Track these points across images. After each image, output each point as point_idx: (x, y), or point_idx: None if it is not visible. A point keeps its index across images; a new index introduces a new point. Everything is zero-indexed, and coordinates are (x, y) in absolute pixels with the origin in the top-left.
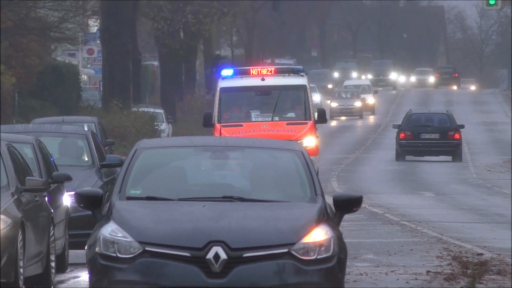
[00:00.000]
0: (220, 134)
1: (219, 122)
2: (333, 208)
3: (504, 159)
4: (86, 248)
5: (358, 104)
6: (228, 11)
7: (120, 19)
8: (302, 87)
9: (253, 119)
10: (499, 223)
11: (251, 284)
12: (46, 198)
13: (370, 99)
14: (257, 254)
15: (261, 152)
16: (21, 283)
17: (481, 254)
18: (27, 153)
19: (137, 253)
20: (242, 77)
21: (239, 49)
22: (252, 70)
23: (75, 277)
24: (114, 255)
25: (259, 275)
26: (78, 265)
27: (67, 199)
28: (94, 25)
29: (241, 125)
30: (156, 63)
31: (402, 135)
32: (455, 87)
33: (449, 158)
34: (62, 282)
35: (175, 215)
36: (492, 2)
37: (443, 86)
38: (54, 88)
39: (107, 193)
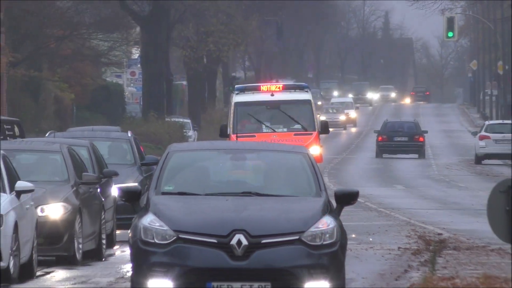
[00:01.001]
0: None
1: (234, 132)
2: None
3: (460, 159)
4: (129, 234)
5: (342, 117)
6: (241, 41)
7: (156, 48)
8: (307, 102)
9: (264, 130)
10: (455, 209)
11: (268, 266)
12: (98, 190)
13: (352, 114)
14: (273, 240)
15: (273, 154)
16: (79, 256)
17: (441, 234)
18: (83, 154)
19: (172, 239)
20: (253, 92)
21: (250, 71)
22: (262, 86)
23: (121, 252)
24: (153, 241)
25: (275, 258)
26: (123, 242)
27: (114, 190)
28: (136, 53)
29: (254, 136)
30: (184, 82)
31: (380, 138)
32: (421, 103)
33: (415, 156)
34: (111, 255)
35: (203, 207)
36: (450, 35)
37: (417, 102)
38: (104, 103)
39: (146, 186)
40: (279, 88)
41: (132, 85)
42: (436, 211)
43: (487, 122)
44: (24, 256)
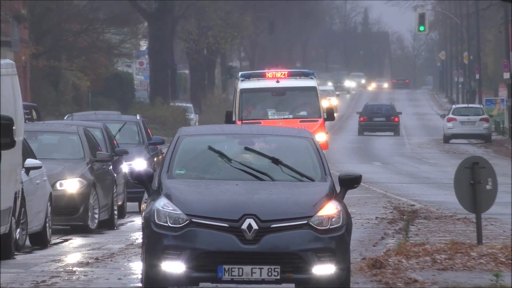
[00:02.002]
0: None
1: (239, 119)
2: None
3: (430, 139)
4: (143, 218)
5: (325, 103)
6: (237, 35)
7: (162, 40)
8: (313, 89)
9: (270, 117)
10: (426, 183)
11: (278, 249)
12: (111, 166)
13: (334, 100)
14: (283, 225)
15: (279, 139)
16: (94, 225)
17: (413, 205)
18: (97, 134)
19: (184, 223)
20: (259, 79)
21: (245, 62)
22: (268, 73)
23: (131, 221)
24: (166, 224)
25: (284, 242)
26: (133, 213)
27: (125, 167)
28: (144, 45)
29: (259, 122)
30: (187, 71)
31: (361, 118)
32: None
33: (391, 133)
34: (122, 225)
35: (214, 192)
36: (422, 29)
37: (398, 89)
38: (116, 89)
39: (153, 164)
40: (284, 74)
41: (140, 73)
42: (409, 185)
43: (454, 106)
44: (36, 226)
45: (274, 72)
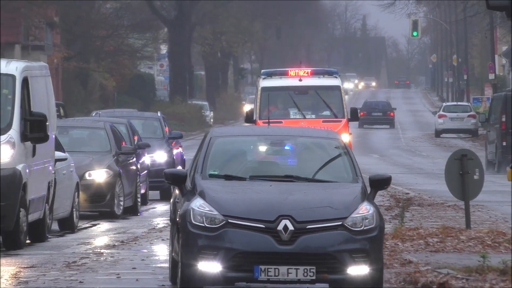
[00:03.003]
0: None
1: (260, 118)
2: None
3: (423, 133)
4: (179, 216)
5: None
6: (248, 40)
7: (180, 45)
8: (337, 88)
9: (292, 117)
10: (419, 173)
11: (314, 250)
12: (134, 158)
13: None
14: (318, 226)
15: (310, 140)
16: (120, 211)
17: (408, 193)
18: (122, 130)
19: (221, 224)
20: (281, 77)
21: (255, 64)
22: (290, 71)
23: (153, 208)
24: (202, 225)
25: (319, 243)
26: (154, 200)
27: (147, 159)
28: (164, 49)
29: (281, 122)
30: (203, 72)
31: (361, 113)
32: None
33: (387, 126)
34: (145, 211)
35: (249, 193)
36: (415, 34)
37: (394, 88)
38: (139, 89)
39: (172, 156)
40: (307, 73)
41: (161, 74)
42: (404, 175)
43: (444, 104)
44: (63, 212)
45: (297, 71)
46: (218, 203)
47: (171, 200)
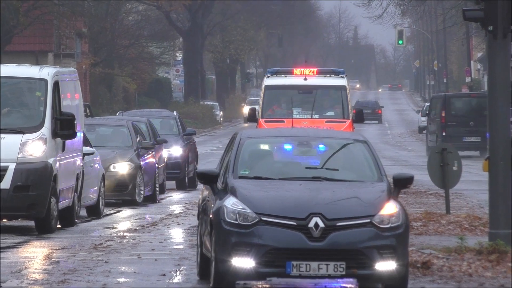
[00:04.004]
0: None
1: (262, 117)
2: None
3: (408, 130)
4: (212, 213)
5: None
6: (253, 47)
7: (194, 52)
8: (342, 88)
9: (295, 116)
10: (405, 165)
11: (344, 246)
12: (153, 152)
13: None
14: (347, 223)
15: (336, 141)
16: (140, 199)
17: None
18: (143, 127)
19: (254, 221)
20: (286, 76)
21: (260, 69)
22: (295, 70)
23: (169, 196)
24: (236, 222)
25: (349, 239)
26: (171, 190)
27: (165, 153)
28: (179, 56)
29: (283, 121)
30: (213, 77)
31: (354, 111)
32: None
33: (376, 122)
34: (162, 199)
35: (280, 191)
36: (400, 42)
37: (383, 90)
38: (157, 91)
39: (189, 153)
40: (313, 72)
41: (176, 78)
42: (391, 166)
43: (426, 104)
44: (91, 200)
45: (302, 69)
46: (251, 201)
47: (200, 199)
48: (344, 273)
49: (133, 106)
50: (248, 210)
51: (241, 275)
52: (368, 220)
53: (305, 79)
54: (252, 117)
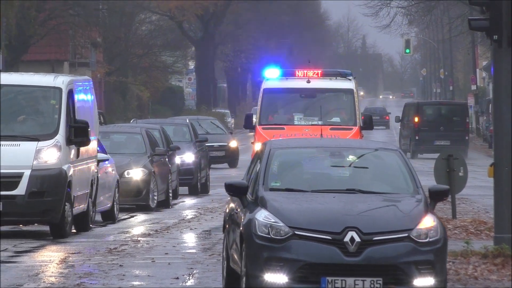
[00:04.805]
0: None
1: (260, 123)
2: None
3: None
4: (243, 226)
5: None
6: (263, 57)
7: (206, 61)
8: (349, 91)
9: (296, 122)
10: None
11: (381, 261)
12: (167, 159)
13: None
14: (384, 237)
15: (368, 152)
16: (154, 204)
17: None
18: (156, 134)
19: (287, 235)
20: (287, 78)
21: None
22: (298, 71)
23: (182, 202)
24: (269, 236)
25: (386, 254)
26: (183, 195)
27: (177, 159)
28: (191, 65)
29: (283, 128)
30: (225, 85)
31: (362, 117)
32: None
33: (384, 127)
34: (175, 204)
35: (313, 204)
36: (407, 51)
37: (389, 98)
38: (170, 99)
39: (200, 159)
40: (317, 74)
41: (189, 87)
42: None
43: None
44: (105, 205)
45: (305, 71)
46: (283, 215)
47: (226, 211)
48: None
49: (146, 114)
50: (281, 224)
51: None
52: (406, 235)
53: (308, 81)
54: (248, 124)
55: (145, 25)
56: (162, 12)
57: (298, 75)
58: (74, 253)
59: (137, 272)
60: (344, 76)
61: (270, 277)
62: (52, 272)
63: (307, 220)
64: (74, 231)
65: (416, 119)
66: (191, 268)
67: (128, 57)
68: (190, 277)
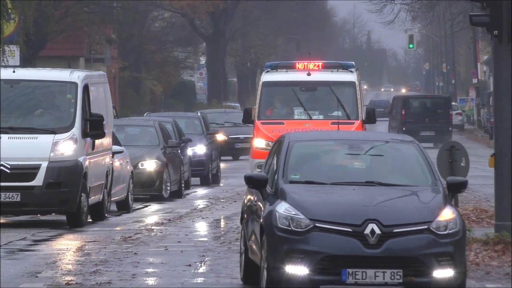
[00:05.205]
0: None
1: (258, 118)
2: None
3: None
4: (263, 219)
5: None
6: (272, 52)
7: (216, 56)
8: (351, 84)
9: (296, 117)
10: None
11: (401, 253)
12: (179, 151)
13: None
14: (405, 230)
15: (386, 144)
16: (167, 194)
17: None
18: (169, 127)
19: (309, 227)
20: (287, 70)
21: None
22: (298, 64)
23: (194, 192)
24: (289, 228)
25: (406, 246)
26: (195, 186)
27: (189, 151)
28: (203, 60)
29: (282, 123)
30: (235, 79)
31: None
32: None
33: (387, 119)
34: (187, 194)
35: (334, 197)
36: (411, 46)
37: (396, 91)
38: (182, 93)
39: (212, 151)
40: (318, 66)
41: (200, 81)
42: None
43: None
44: (120, 195)
45: (305, 63)
46: (304, 207)
47: (244, 203)
48: (401, 281)
49: (159, 107)
50: (302, 216)
51: (295, 283)
52: (426, 227)
53: (309, 74)
54: (247, 118)
55: (158, 22)
56: (174, 9)
57: (298, 67)
58: (90, 241)
59: (151, 259)
60: (346, 68)
61: (291, 268)
62: (69, 260)
63: (327, 212)
64: (90, 220)
65: (403, 112)
66: (203, 256)
67: (141, 53)
68: (202, 264)
